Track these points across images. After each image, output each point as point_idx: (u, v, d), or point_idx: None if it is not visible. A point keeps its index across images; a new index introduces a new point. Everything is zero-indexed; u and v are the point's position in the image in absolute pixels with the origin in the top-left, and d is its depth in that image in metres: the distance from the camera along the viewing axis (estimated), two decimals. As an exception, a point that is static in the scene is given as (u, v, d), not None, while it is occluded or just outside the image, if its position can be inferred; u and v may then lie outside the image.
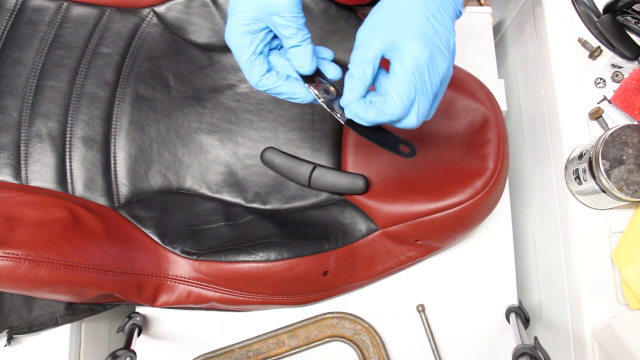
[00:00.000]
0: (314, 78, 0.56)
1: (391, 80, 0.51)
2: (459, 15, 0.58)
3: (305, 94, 0.56)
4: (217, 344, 0.81)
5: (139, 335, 0.78)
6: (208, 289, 0.74)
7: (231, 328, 0.82)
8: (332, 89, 0.56)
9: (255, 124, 0.78)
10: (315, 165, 0.75)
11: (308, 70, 0.54)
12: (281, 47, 0.57)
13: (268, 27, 0.54)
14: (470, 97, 0.72)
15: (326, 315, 0.82)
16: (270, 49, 0.57)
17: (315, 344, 0.82)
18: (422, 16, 0.51)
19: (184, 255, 0.73)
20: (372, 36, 0.52)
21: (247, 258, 0.71)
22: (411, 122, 0.53)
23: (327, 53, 0.58)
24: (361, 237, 0.75)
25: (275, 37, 0.56)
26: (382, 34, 0.51)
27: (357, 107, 0.53)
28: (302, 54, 0.53)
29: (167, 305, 0.75)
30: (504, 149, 0.69)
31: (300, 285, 0.75)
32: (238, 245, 0.72)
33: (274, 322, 0.82)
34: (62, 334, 0.77)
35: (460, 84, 0.73)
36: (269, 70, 0.56)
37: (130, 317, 0.79)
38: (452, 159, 0.72)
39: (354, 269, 0.77)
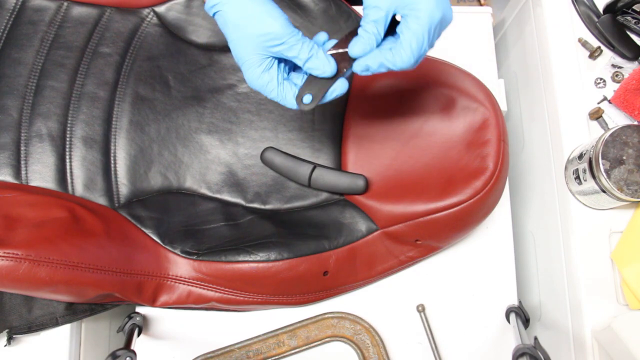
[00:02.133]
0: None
1: (404, 33, 0.53)
2: None
3: (341, 85, 0.57)
4: (217, 344, 0.81)
5: (139, 335, 0.78)
6: (208, 289, 0.74)
7: (231, 328, 0.82)
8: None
9: (255, 123, 0.78)
10: (316, 165, 0.75)
11: (332, 69, 0.56)
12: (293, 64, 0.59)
13: (275, 57, 0.56)
14: (470, 97, 0.72)
15: (326, 315, 0.81)
16: (287, 70, 0.59)
17: (315, 344, 0.81)
18: None
19: (184, 255, 0.72)
20: None
21: (247, 258, 0.71)
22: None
23: (322, 37, 0.59)
24: (361, 237, 0.74)
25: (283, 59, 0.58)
26: None
27: (368, 59, 0.54)
28: (319, 62, 0.55)
29: (167, 305, 0.74)
30: (504, 149, 0.69)
31: (301, 285, 0.75)
32: (238, 245, 0.72)
33: (274, 322, 0.82)
34: (62, 334, 0.77)
35: (460, 84, 0.73)
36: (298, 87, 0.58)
37: (130, 317, 0.79)
38: (452, 159, 0.71)
39: (354, 268, 0.77)
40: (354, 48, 0.54)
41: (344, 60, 0.56)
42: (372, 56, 0.54)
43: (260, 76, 0.56)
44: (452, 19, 0.55)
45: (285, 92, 0.57)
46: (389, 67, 0.54)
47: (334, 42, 0.57)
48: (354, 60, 0.56)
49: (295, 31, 0.54)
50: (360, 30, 0.55)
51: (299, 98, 0.57)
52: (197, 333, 0.83)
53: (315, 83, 0.57)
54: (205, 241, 0.73)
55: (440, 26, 0.53)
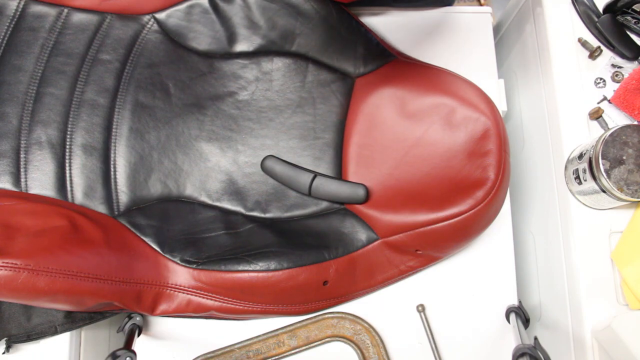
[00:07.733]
0: None
1: None
2: None
3: None
4: (217, 344, 0.80)
5: (139, 335, 0.77)
6: (208, 298, 0.72)
7: (231, 328, 0.81)
8: None
9: (255, 131, 0.77)
10: (316, 174, 0.74)
11: None
12: None
13: None
14: (471, 106, 0.70)
15: (326, 315, 0.80)
16: None
17: (315, 344, 0.80)
18: None
19: (183, 264, 0.71)
20: None
21: (246, 267, 0.69)
22: None
23: None
24: (361, 246, 0.73)
25: None
26: None
27: None
28: None
29: (166, 314, 0.73)
30: (505, 159, 0.67)
31: (300, 294, 0.74)
32: (238, 254, 0.70)
33: (274, 322, 0.81)
34: (61, 337, 0.76)
35: (461, 92, 0.71)
36: None
37: (130, 317, 0.79)
38: (453, 169, 0.70)
39: (354, 278, 0.75)
40: None
41: None
42: None
43: None
44: None
45: None
46: None
47: None
48: None
49: None
50: None
51: None
52: (197, 333, 0.82)
53: None
54: (205, 250, 0.72)
55: None
